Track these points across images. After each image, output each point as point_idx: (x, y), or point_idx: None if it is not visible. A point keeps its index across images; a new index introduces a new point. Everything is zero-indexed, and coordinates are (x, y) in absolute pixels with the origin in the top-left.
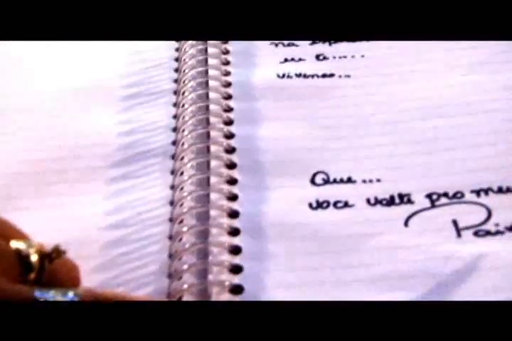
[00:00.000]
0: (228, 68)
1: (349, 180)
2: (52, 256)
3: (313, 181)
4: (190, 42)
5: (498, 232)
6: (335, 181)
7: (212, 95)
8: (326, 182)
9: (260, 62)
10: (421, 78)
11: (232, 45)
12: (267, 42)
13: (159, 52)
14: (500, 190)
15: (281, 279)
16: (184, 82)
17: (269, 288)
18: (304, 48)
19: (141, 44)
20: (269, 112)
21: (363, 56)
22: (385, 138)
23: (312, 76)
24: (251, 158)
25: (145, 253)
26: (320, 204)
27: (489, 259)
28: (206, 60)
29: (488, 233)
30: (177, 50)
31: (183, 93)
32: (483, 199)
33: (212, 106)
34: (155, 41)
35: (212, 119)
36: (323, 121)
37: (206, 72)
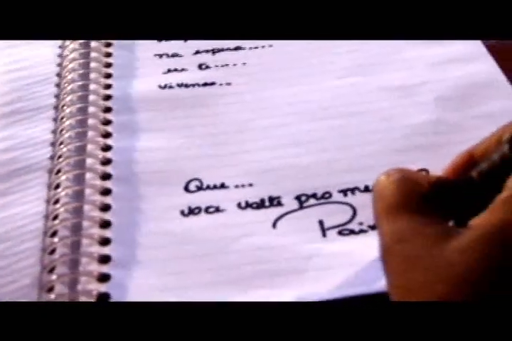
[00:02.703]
0: (109, 81)
1: (222, 186)
2: None
3: (186, 189)
4: (72, 55)
5: (361, 231)
6: (208, 187)
7: (91, 109)
8: (200, 188)
9: (142, 73)
10: (299, 83)
11: (115, 58)
12: (150, 54)
13: (41, 67)
14: (366, 189)
15: (150, 285)
16: (64, 96)
17: (135, 294)
18: (187, 58)
19: (23, 60)
20: (148, 123)
21: (244, 64)
22: (260, 143)
23: (193, 85)
24: (126, 169)
25: (19, 267)
26: (192, 211)
27: (350, 256)
28: (87, 74)
29: (352, 232)
30: (59, 65)
31: (62, 107)
32: (349, 198)
33: (90, 120)
34: (36, 57)
35: (89, 132)
36: (202, 129)
37: (86, 85)
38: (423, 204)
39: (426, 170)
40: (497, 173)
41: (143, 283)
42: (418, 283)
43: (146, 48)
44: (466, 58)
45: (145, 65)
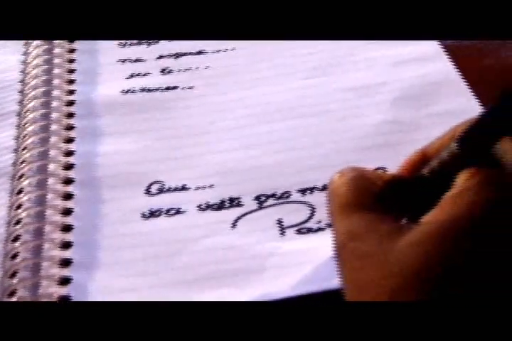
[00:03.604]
0: (73, 87)
1: (183, 188)
2: None
3: (148, 191)
4: (35, 62)
5: (319, 229)
6: (169, 190)
7: (53, 114)
8: (161, 191)
9: (105, 79)
10: (262, 84)
11: (78, 64)
12: (113, 60)
13: (4, 74)
14: (324, 188)
15: (110, 286)
16: (27, 102)
17: (96, 296)
18: (150, 63)
19: None
20: (111, 128)
21: (207, 67)
22: (221, 145)
23: (156, 89)
24: (89, 174)
25: None
26: (152, 213)
27: (308, 254)
28: (50, 80)
29: (310, 230)
30: (22, 72)
31: (25, 113)
32: (308, 197)
33: (53, 126)
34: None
35: (52, 138)
36: (164, 132)
37: (49, 91)
38: (376, 202)
39: (383, 169)
40: (446, 171)
41: (104, 285)
42: (371, 279)
43: (109, 53)
44: (423, 58)
45: (108, 70)
